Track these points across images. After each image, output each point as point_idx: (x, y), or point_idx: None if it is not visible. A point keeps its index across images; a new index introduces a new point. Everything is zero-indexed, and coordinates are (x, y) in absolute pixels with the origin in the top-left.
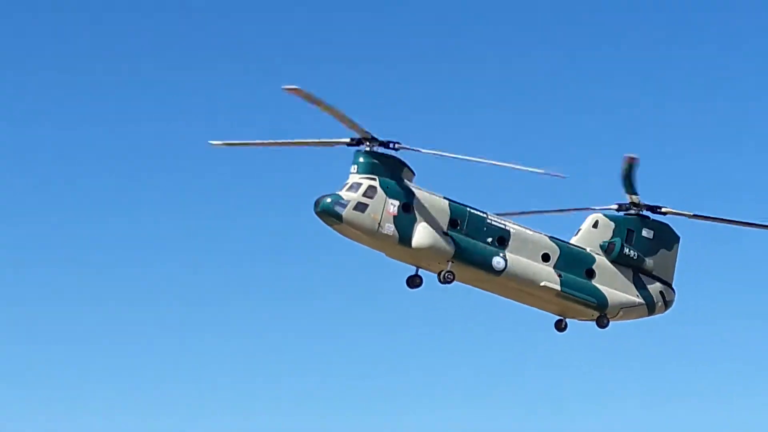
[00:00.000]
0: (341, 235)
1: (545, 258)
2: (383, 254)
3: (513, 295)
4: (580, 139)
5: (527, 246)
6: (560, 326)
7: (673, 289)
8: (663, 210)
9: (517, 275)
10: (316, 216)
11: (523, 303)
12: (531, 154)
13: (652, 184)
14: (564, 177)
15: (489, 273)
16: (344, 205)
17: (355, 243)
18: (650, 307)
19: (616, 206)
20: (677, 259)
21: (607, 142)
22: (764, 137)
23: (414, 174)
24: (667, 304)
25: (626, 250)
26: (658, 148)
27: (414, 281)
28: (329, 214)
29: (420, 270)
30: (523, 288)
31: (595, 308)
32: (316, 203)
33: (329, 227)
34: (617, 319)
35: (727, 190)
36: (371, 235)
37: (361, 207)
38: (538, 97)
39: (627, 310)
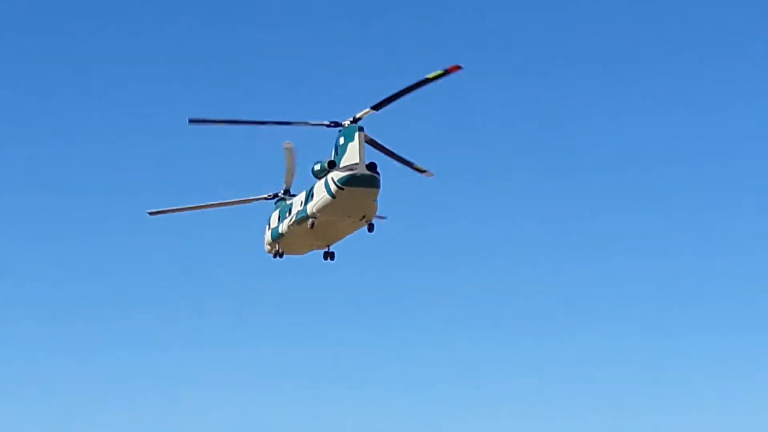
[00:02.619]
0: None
1: (299, 204)
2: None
3: (304, 240)
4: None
5: (296, 204)
6: (327, 256)
7: (348, 168)
8: (357, 116)
9: (288, 229)
10: None
11: (310, 244)
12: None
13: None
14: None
15: (279, 238)
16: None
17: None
18: (330, 193)
19: (327, 122)
20: (361, 142)
21: None
22: None
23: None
24: (343, 182)
25: (312, 167)
26: None
27: (327, 256)
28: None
29: (330, 248)
30: (294, 233)
31: (303, 220)
32: None
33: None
34: (332, 218)
35: None
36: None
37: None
38: None
39: (320, 207)
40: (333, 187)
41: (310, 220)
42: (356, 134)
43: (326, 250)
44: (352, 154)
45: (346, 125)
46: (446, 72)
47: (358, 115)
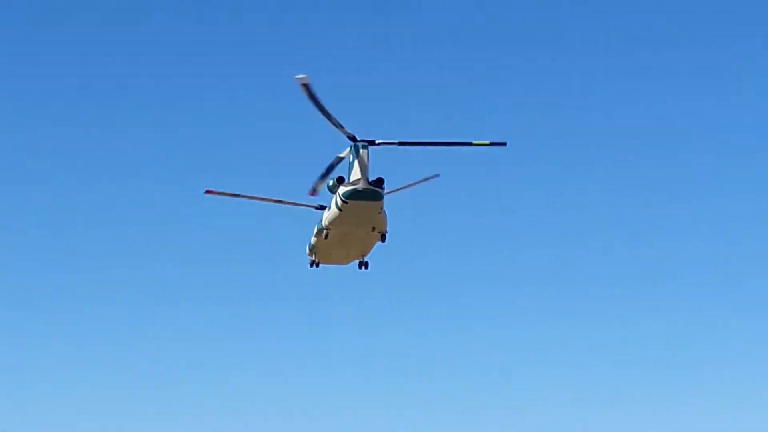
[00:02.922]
0: None
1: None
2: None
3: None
4: None
5: (323, 217)
6: (362, 265)
7: (352, 183)
8: (377, 142)
9: (314, 240)
10: None
11: (345, 254)
12: None
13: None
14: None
15: (313, 248)
16: None
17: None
18: (337, 207)
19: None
20: (365, 159)
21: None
22: None
23: None
24: (346, 196)
25: (327, 183)
26: None
27: (361, 265)
28: None
29: (364, 257)
30: (318, 243)
31: (320, 232)
32: None
33: None
34: (343, 229)
35: None
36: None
37: None
38: None
39: (330, 220)
40: (339, 201)
41: (324, 231)
42: (361, 152)
43: (360, 259)
44: (356, 170)
45: (357, 142)
46: (492, 144)
47: (378, 141)
